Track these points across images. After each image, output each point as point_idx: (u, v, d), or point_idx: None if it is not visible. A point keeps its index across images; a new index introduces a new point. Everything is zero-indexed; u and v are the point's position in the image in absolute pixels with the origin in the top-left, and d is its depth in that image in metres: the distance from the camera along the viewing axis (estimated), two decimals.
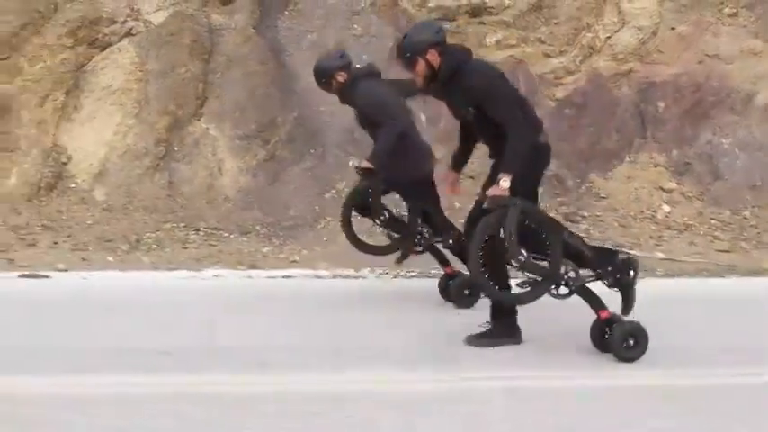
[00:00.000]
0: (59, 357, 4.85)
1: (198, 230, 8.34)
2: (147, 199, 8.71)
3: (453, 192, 5.80)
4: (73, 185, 8.77)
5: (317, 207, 8.74)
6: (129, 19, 9.57)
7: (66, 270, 7.23)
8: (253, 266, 7.64)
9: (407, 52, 4.97)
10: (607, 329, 4.91)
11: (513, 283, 5.15)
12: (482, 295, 5.73)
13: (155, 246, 8.03)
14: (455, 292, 6.10)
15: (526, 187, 4.87)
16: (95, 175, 8.86)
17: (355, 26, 9.99)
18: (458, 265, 6.27)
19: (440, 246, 6.25)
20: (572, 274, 4.85)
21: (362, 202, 6.18)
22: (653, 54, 10.23)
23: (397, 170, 5.91)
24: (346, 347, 5.21)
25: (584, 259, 4.92)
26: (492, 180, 4.92)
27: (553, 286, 4.85)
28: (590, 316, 5.07)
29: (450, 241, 6.10)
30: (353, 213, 6.32)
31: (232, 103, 9.36)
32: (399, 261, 6.38)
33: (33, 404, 4.24)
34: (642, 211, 9.32)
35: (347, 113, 9.43)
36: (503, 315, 5.12)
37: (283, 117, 9.32)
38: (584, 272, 4.92)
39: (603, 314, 4.90)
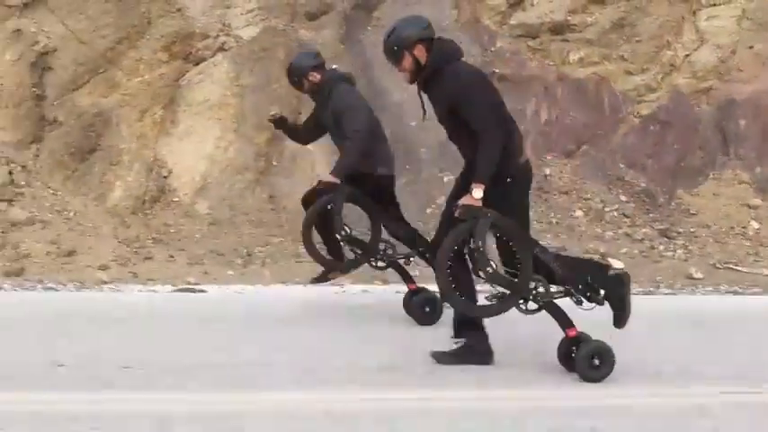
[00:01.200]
0: (311, 373, 4.79)
1: None
2: (251, 213, 8.73)
3: None
4: (176, 199, 8.76)
5: (420, 222, 8.76)
6: (221, 34, 9.60)
7: (197, 284, 7.21)
8: (369, 281, 7.64)
9: (395, 46, 4.78)
10: (574, 348, 4.73)
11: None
12: (444, 310, 5.68)
13: (268, 259, 8.03)
14: (416, 309, 5.96)
15: (511, 209, 4.66)
16: (198, 189, 8.86)
17: None
18: (422, 281, 6.22)
19: (402, 261, 6.13)
20: (541, 289, 4.66)
21: (322, 217, 6.00)
22: (732, 72, 10.40)
23: (361, 175, 5.86)
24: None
25: (555, 276, 4.72)
26: (459, 189, 4.79)
27: (521, 301, 4.68)
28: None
29: (421, 249, 5.96)
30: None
31: None
32: (317, 281, 6.28)
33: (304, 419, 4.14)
34: (732, 227, 9.44)
35: (436, 127, 9.60)
36: (469, 329, 4.92)
37: (389, 131, 9.35)
38: (553, 288, 4.74)
39: (571, 332, 4.72)
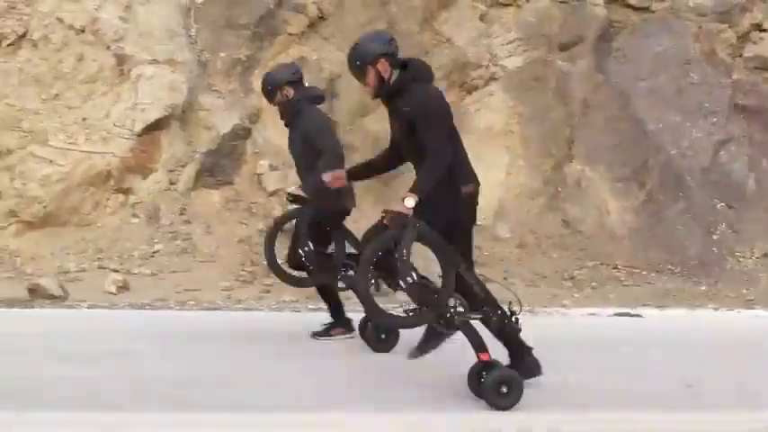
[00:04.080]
0: None
1: (616, 268, 8.60)
2: (553, 237, 8.95)
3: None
4: (479, 223, 8.96)
5: (714, 248, 9.06)
6: (490, 64, 9.89)
7: (568, 306, 7.45)
8: (680, 304, 7.91)
9: (357, 61, 4.69)
10: (484, 374, 4.54)
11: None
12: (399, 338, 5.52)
13: (594, 283, 8.28)
14: (371, 336, 5.63)
15: (454, 234, 4.56)
16: (496, 213, 9.09)
17: (692, 74, 10.40)
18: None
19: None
20: (460, 308, 4.51)
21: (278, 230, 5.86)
22: None
23: (325, 200, 5.58)
24: None
25: (474, 297, 4.58)
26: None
27: (440, 318, 4.52)
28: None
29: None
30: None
31: (600, 146, 9.68)
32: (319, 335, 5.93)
33: None
34: None
35: (697, 154, 9.95)
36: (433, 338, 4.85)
37: (654, 159, 9.66)
38: (473, 310, 4.56)
39: (483, 356, 4.52)
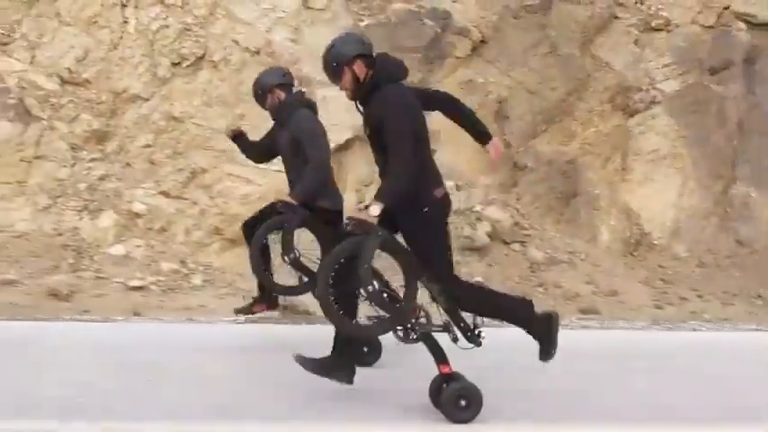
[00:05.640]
0: None
1: None
2: (731, 255, 9.09)
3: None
4: (655, 242, 9.13)
5: None
6: (649, 87, 10.08)
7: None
8: None
9: (334, 62, 4.56)
10: (444, 386, 4.49)
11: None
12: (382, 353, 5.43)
13: None
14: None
15: (426, 240, 4.45)
16: (672, 233, 9.24)
17: None
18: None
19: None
20: (422, 319, 4.47)
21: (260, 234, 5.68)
22: None
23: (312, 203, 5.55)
24: None
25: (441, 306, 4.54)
26: None
27: (400, 328, 4.48)
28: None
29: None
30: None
31: (761, 167, 9.84)
32: (241, 311, 5.97)
33: None
34: None
35: None
36: (344, 347, 4.74)
37: None
38: (435, 320, 4.53)
39: (444, 369, 4.47)
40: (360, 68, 4.54)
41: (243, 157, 7.41)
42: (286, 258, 5.58)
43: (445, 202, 4.56)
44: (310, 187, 5.53)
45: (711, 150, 9.70)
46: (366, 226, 4.23)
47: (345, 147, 8.89)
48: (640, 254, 8.91)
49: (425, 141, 4.52)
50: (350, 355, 4.74)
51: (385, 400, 4.76)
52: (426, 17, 9.72)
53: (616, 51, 10.13)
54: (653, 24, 10.26)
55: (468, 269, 8.18)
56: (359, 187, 8.88)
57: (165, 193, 8.56)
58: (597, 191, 9.19)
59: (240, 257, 8.11)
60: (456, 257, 8.23)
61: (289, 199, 5.55)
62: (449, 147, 9.07)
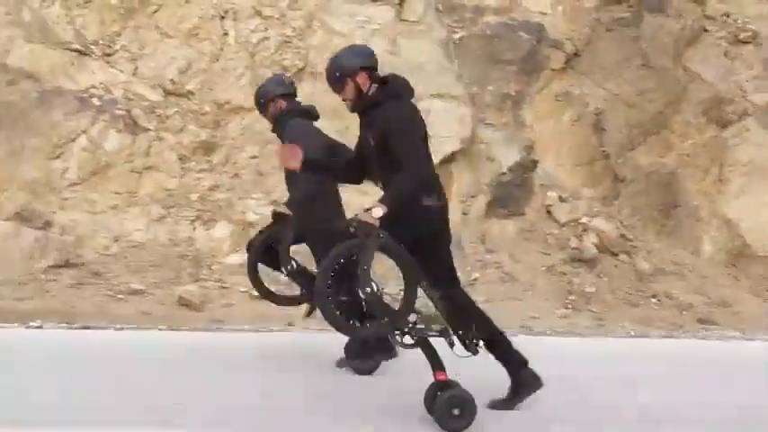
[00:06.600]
0: None
1: None
2: None
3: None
4: (761, 253, 9.17)
5: None
6: (741, 99, 10.13)
7: None
8: None
9: (337, 72, 4.59)
10: (439, 393, 4.47)
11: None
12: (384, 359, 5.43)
13: None
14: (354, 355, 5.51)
15: (427, 249, 4.49)
16: None
17: None
18: None
19: None
20: (419, 325, 4.46)
21: (267, 249, 5.59)
22: None
23: (310, 219, 5.42)
24: None
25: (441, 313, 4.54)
26: None
27: (397, 332, 4.47)
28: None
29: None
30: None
31: None
32: (308, 314, 5.84)
33: None
34: None
35: None
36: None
37: None
38: (434, 327, 4.52)
39: (440, 376, 4.46)
40: (363, 80, 4.58)
41: None
42: (284, 270, 5.54)
43: (444, 210, 4.59)
44: (304, 197, 5.44)
45: None
46: (368, 228, 4.23)
47: (451, 158, 8.94)
48: (744, 265, 8.93)
49: (429, 155, 4.57)
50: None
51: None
52: (521, 30, 9.79)
53: (707, 64, 10.18)
54: (741, 37, 10.31)
55: (579, 280, 8.23)
56: (464, 198, 8.94)
57: (276, 203, 8.62)
58: (696, 202, 9.24)
59: None
60: (565, 268, 8.44)
61: (283, 209, 5.53)
62: (548, 158, 9.17)
